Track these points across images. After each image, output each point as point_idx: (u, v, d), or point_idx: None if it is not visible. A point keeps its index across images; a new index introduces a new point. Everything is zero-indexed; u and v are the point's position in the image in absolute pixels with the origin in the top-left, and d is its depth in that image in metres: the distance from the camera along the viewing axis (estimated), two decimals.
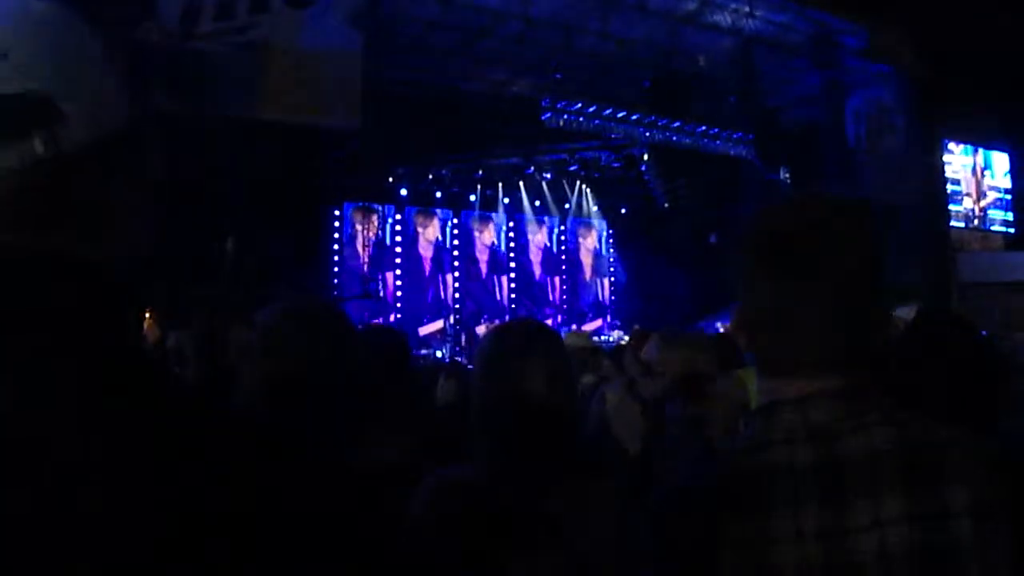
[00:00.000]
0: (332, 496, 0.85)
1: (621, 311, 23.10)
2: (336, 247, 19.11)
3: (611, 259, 24.00)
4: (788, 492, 1.14)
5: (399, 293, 19.99)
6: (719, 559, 1.15)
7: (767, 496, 1.15)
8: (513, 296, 22.01)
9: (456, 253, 21.28)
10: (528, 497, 1.70)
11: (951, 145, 20.41)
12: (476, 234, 21.80)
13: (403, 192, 19.95)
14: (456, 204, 21.21)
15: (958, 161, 20.76)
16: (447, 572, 1.62)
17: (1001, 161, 21.87)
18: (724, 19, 16.81)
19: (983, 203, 21.29)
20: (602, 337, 19.92)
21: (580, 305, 23.20)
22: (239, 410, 1.71)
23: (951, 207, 20.23)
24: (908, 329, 2.57)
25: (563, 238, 23.28)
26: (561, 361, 1.92)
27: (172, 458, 0.71)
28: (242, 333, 3.91)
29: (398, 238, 20.25)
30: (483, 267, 21.87)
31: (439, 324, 20.20)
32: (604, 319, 23.21)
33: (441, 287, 20.97)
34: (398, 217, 20.23)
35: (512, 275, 22.16)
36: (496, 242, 22.09)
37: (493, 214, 21.88)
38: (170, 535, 0.69)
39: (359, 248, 19.42)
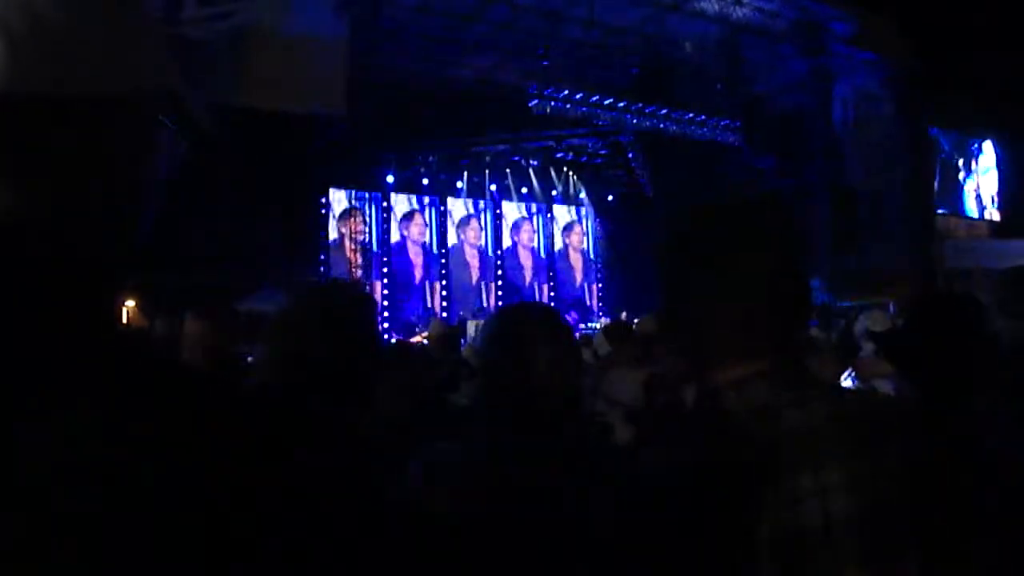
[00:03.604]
0: (340, 474, 0.84)
1: (607, 297, 23.14)
2: (324, 233, 19.04)
3: (598, 245, 24.02)
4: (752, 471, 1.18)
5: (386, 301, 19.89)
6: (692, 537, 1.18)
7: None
8: (500, 284, 21.99)
9: (444, 251, 21.29)
10: (526, 475, 1.70)
11: (937, 139, 20.53)
12: (462, 228, 21.77)
13: (389, 179, 19.89)
14: (442, 191, 21.18)
15: (943, 156, 20.86)
16: (444, 549, 1.62)
17: (987, 150, 22.00)
18: (711, 6, 16.81)
19: (970, 199, 21.45)
20: (589, 324, 19.96)
21: (566, 293, 23.22)
22: (245, 389, 1.72)
23: (937, 199, 20.37)
24: (917, 310, 2.64)
25: (550, 224, 23.28)
26: (566, 343, 1.92)
27: (174, 441, 0.70)
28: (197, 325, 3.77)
29: (385, 236, 20.19)
30: (472, 264, 21.86)
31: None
32: (589, 306, 23.27)
33: (431, 293, 20.98)
34: (384, 204, 20.15)
35: (499, 261, 22.14)
36: (482, 229, 22.07)
37: (480, 201, 21.86)
38: (179, 519, 0.67)
39: (347, 253, 19.32)
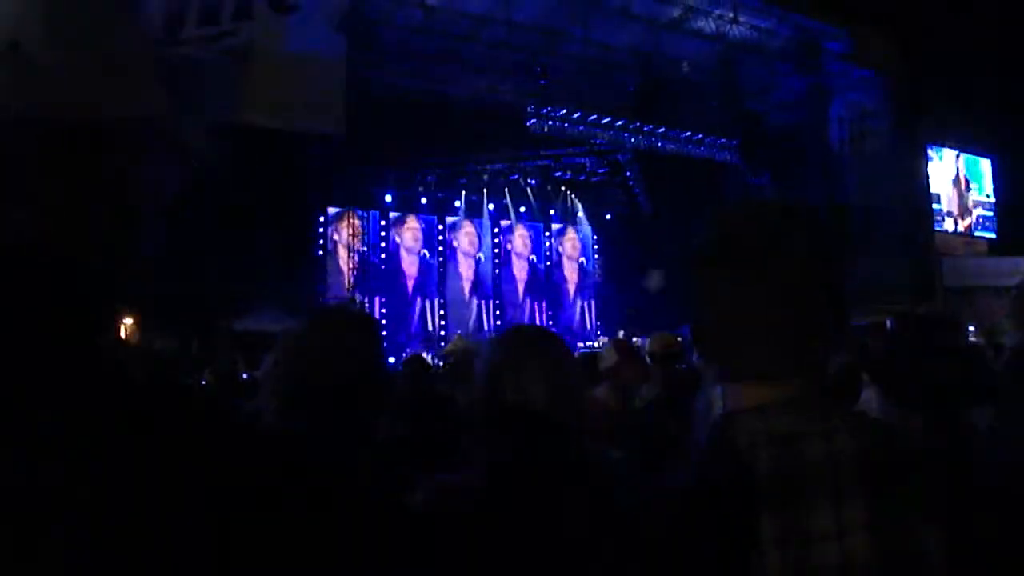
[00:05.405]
0: (335, 502, 0.83)
1: (605, 316, 23.09)
2: (321, 252, 18.99)
3: (596, 264, 24.00)
4: (751, 499, 1.13)
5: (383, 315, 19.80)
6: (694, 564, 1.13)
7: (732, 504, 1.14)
8: (496, 303, 21.97)
9: (442, 270, 21.24)
10: (526, 502, 1.68)
11: (933, 157, 20.54)
12: (459, 248, 21.76)
13: (388, 198, 19.90)
14: (441, 210, 21.18)
15: (940, 175, 20.87)
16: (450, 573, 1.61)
17: (984, 168, 22.01)
18: (708, 25, 16.90)
19: (968, 221, 21.45)
20: (587, 343, 19.91)
21: (563, 312, 23.17)
22: (250, 416, 1.71)
23: (936, 228, 20.38)
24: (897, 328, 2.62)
25: (548, 243, 23.26)
26: (562, 367, 1.90)
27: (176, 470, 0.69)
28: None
29: (382, 255, 20.19)
30: (468, 283, 21.84)
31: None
32: (587, 324, 23.23)
33: (428, 311, 20.92)
34: (382, 223, 20.13)
35: (495, 280, 22.12)
36: (479, 248, 22.04)
37: (479, 220, 21.84)
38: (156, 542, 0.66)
39: (344, 271, 19.23)
